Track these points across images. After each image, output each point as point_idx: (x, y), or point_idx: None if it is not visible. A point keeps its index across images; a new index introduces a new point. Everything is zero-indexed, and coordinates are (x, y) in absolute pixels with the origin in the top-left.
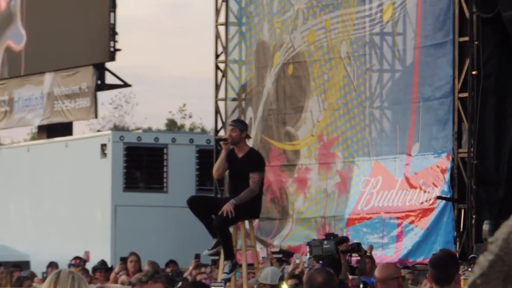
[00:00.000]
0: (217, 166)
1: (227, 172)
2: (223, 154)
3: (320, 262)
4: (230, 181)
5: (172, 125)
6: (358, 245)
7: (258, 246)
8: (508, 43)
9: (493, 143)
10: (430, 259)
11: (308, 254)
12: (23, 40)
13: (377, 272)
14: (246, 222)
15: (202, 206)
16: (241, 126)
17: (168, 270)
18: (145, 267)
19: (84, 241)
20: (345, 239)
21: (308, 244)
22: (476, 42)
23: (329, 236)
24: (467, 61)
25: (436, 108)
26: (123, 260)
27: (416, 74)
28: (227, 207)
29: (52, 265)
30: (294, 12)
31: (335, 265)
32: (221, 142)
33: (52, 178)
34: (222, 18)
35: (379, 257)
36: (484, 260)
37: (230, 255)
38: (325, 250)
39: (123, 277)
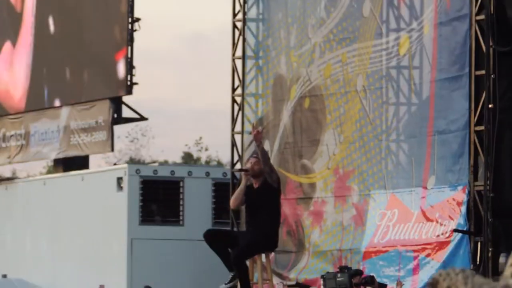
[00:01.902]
0: (235, 197)
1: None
2: (242, 185)
3: None
4: (247, 212)
5: (188, 158)
6: (372, 278)
7: (275, 280)
8: None
9: (509, 175)
10: None
11: (322, 287)
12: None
13: None
14: (263, 255)
15: (218, 240)
16: (264, 158)
17: None
18: None
19: (100, 275)
20: (359, 272)
21: (322, 277)
22: (492, 76)
23: (343, 269)
24: (484, 95)
25: (451, 141)
26: None
27: (432, 107)
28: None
29: None
30: (311, 45)
31: None
32: (242, 173)
33: (68, 211)
34: (239, 52)
35: None
36: None
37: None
38: (339, 283)
39: None
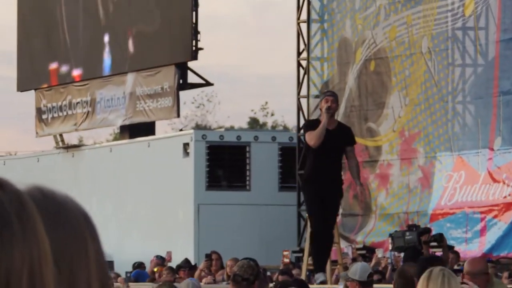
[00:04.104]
0: (319, 135)
1: None
2: (325, 123)
3: (402, 253)
4: (317, 154)
5: (254, 123)
6: (441, 235)
7: (342, 243)
8: None
9: None
10: None
11: (390, 246)
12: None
13: (468, 266)
14: None
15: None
16: (337, 99)
17: None
18: (228, 263)
19: (167, 240)
20: (427, 230)
21: (390, 235)
22: None
23: (411, 227)
24: None
25: None
26: (208, 256)
27: (497, 68)
28: (361, 194)
29: (141, 266)
30: (376, 8)
31: (417, 257)
32: (323, 110)
33: (134, 178)
34: (304, 16)
35: (463, 252)
36: None
37: (323, 267)
38: (407, 241)
39: (208, 278)
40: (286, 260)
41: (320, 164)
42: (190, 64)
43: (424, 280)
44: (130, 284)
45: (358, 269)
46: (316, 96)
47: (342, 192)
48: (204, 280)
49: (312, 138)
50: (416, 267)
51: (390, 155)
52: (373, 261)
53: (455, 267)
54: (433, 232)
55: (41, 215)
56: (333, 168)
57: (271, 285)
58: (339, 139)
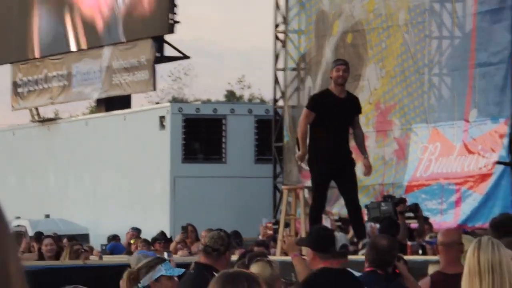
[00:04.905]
0: (301, 135)
1: None
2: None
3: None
4: (327, 124)
5: (231, 96)
6: (416, 206)
7: None
8: None
9: None
10: (490, 222)
11: (366, 217)
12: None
13: (441, 237)
14: (306, 190)
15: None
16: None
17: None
18: (202, 234)
19: (143, 213)
20: (403, 200)
21: (366, 206)
22: None
23: (387, 198)
24: None
25: (492, 74)
26: (184, 229)
27: (474, 40)
28: (369, 167)
29: (116, 238)
30: None
31: (394, 227)
32: (335, 80)
33: (111, 151)
34: None
35: (438, 223)
36: None
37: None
38: (383, 212)
39: (184, 251)
40: (270, 232)
41: (333, 137)
42: (167, 37)
43: (474, 250)
44: (105, 256)
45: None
46: (293, 69)
47: (354, 161)
48: (180, 253)
49: (299, 128)
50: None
51: (365, 127)
52: (351, 233)
53: (427, 238)
54: (408, 203)
55: None
56: (345, 139)
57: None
58: (350, 108)
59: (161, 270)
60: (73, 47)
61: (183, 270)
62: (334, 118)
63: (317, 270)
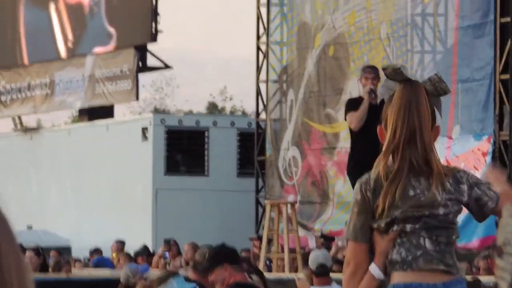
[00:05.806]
0: (360, 117)
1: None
2: (366, 105)
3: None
4: (365, 134)
5: (213, 108)
6: None
7: (301, 231)
8: None
9: None
10: None
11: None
12: None
13: None
14: (289, 206)
15: None
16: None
17: None
18: (185, 248)
19: (124, 225)
20: None
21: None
22: None
23: None
24: (509, 42)
25: (475, 90)
26: (167, 242)
27: (455, 55)
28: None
29: (97, 251)
30: None
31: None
32: (367, 92)
33: (93, 161)
34: None
35: None
36: None
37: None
38: None
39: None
40: (256, 251)
41: (371, 145)
42: (150, 46)
43: None
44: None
45: (313, 258)
46: (275, 81)
47: None
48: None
49: (352, 120)
50: None
51: (348, 143)
52: (333, 250)
53: None
54: None
55: None
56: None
57: None
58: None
59: (173, 285)
60: (60, 45)
61: (194, 285)
62: (370, 126)
63: None
